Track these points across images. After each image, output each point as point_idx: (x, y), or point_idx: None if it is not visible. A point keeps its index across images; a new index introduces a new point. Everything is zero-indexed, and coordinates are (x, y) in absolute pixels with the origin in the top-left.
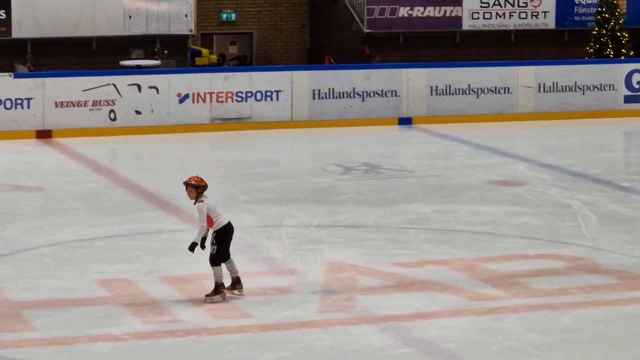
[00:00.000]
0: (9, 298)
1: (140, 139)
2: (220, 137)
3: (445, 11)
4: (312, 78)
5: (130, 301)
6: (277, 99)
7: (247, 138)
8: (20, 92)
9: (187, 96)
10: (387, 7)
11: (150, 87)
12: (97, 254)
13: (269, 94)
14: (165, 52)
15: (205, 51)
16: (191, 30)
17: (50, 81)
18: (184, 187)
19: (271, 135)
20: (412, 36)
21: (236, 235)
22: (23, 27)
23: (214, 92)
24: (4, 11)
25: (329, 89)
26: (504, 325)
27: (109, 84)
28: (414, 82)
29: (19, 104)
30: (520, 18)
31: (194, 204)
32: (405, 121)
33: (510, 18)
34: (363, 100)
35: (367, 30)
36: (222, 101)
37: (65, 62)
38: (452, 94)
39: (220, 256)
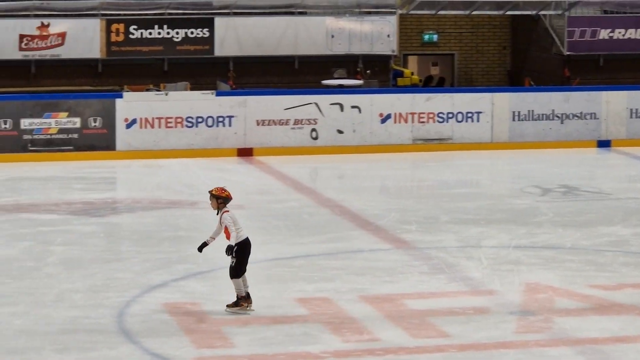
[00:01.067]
0: (209, 314)
1: (342, 159)
2: (421, 157)
3: None
4: (513, 100)
5: (330, 320)
6: (478, 120)
7: (447, 159)
8: (222, 110)
9: (389, 116)
10: (587, 29)
11: (353, 107)
12: (296, 273)
13: (469, 115)
14: (368, 72)
15: (407, 72)
16: (393, 51)
17: (252, 99)
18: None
19: (471, 156)
20: (612, 58)
21: (436, 255)
22: (225, 45)
23: (415, 113)
24: (207, 30)
25: (529, 111)
26: None
27: (311, 103)
28: (613, 104)
29: (220, 121)
30: None
31: (217, 214)
32: (604, 144)
33: None
34: (562, 123)
35: (567, 53)
36: (423, 122)
37: (266, 81)
38: None
39: (239, 269)
